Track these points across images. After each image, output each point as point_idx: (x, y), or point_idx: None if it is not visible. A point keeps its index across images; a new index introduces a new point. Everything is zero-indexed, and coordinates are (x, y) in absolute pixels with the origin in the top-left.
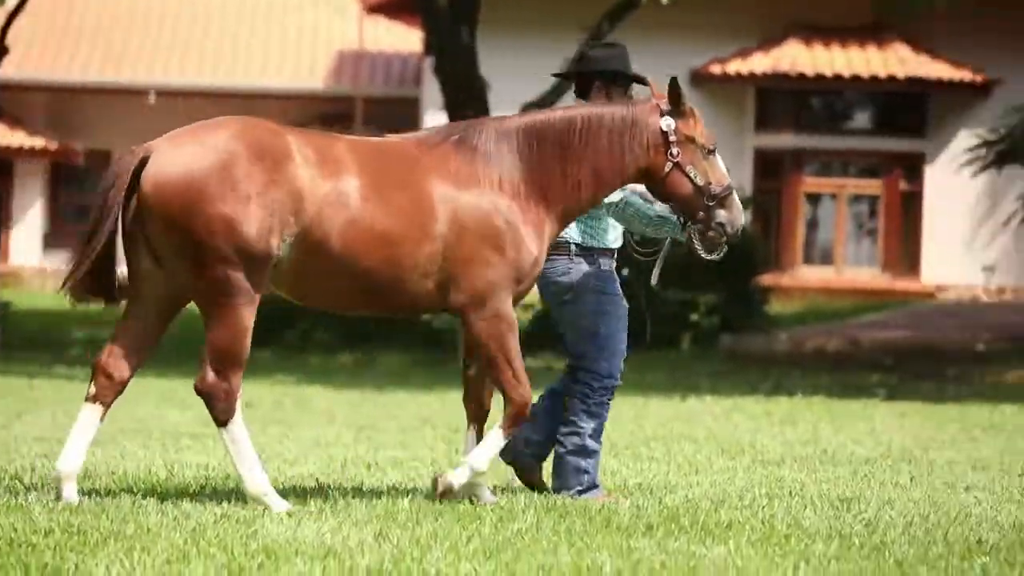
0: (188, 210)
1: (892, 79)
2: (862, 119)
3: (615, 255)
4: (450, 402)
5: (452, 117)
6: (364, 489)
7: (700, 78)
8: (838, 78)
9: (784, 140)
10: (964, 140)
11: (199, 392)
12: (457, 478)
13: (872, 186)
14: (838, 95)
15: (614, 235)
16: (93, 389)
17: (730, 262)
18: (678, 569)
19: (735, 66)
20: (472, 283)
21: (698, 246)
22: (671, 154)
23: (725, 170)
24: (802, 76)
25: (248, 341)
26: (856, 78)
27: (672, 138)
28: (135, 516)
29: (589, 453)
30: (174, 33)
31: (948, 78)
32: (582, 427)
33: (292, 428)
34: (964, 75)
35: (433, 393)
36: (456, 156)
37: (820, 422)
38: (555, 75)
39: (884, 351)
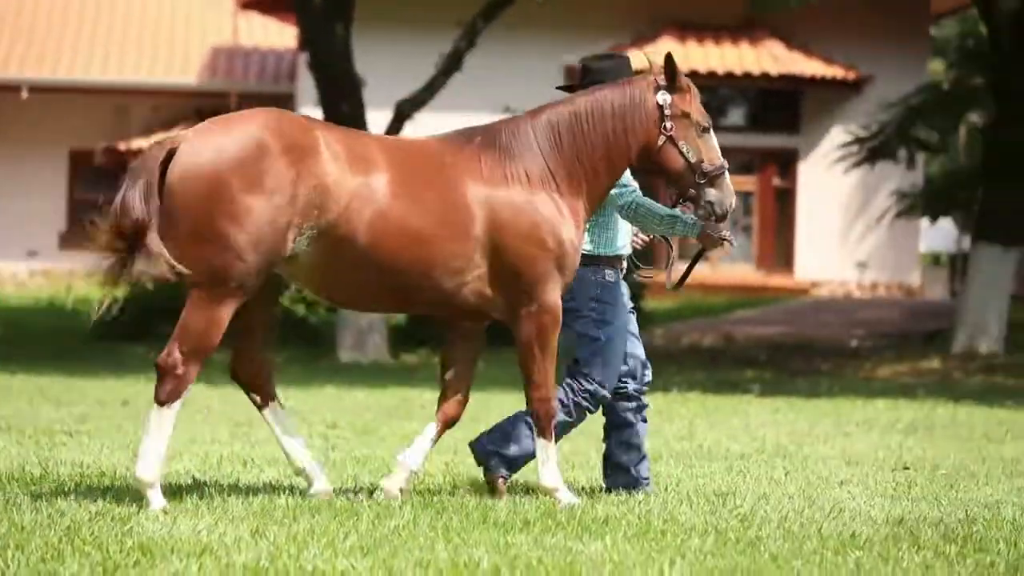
0: (212, 200)
1: (765, 76)
2: (736, 116)
3: (623, 261)
4: (325, 398)
5: (327, 114)
6: (240, 486)
7: (574, 74)
8: (712, 75)
9: None
10: (837, 136)
11: (158, 366)
12: (563, 499)
13: (746, 182)
14: (712, 92)
15: (623, 241)
16: (258, 398)
17: None
18: (555, 565)
19: None
20: (518, 281)
21: (706, 244)
22: (665, 128)
23: (718, 150)
24: None
25: (221, 333)
26: (730, 75)
27: (667, 112)
28: (8, 514)
29: (525, 455)
30: (48, 28)
31: (821, 75)
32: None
33: None
34: (836, 72)
35: (309, 389)
36: (483, 156)
37: (696, 418)
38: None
39: (759, 347)
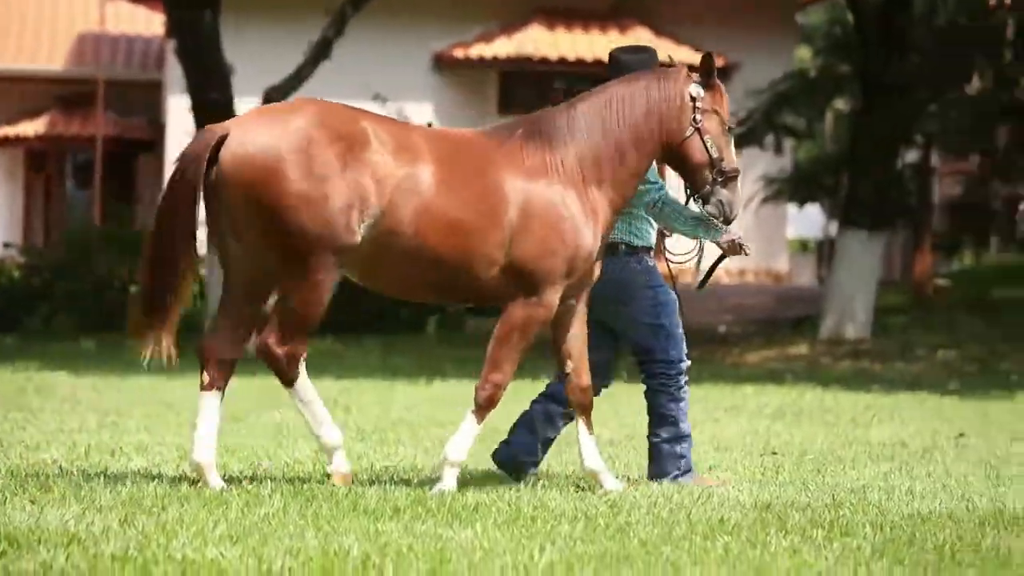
0: (268, 187)
1: None
2: None
3: (651, 250)
4: (194, 387)
5: (195, 101)
6: (109, 475)
7: (443, 62)
8: (580, 62)
9: None
10: None
11: (261, 354)
12: (445, 484)
13: None
14: (581, 79)
15: (653, 234)
16: (207, 377)
17: None
18: (425, 552)
19: (478, 50)
20: (533, 271)
21: (725, 246)
22: (694, 120)
23: (735, 156)
24: (545, 60)
25: (321, 313)
26: (599, 62)
27: (699, 105)
28: None
29: (682, 438)
30: None
31: (690, 62)
32: (672, 414)
33: (35, 415)
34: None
35: (176, 379)
36: (527, 148)
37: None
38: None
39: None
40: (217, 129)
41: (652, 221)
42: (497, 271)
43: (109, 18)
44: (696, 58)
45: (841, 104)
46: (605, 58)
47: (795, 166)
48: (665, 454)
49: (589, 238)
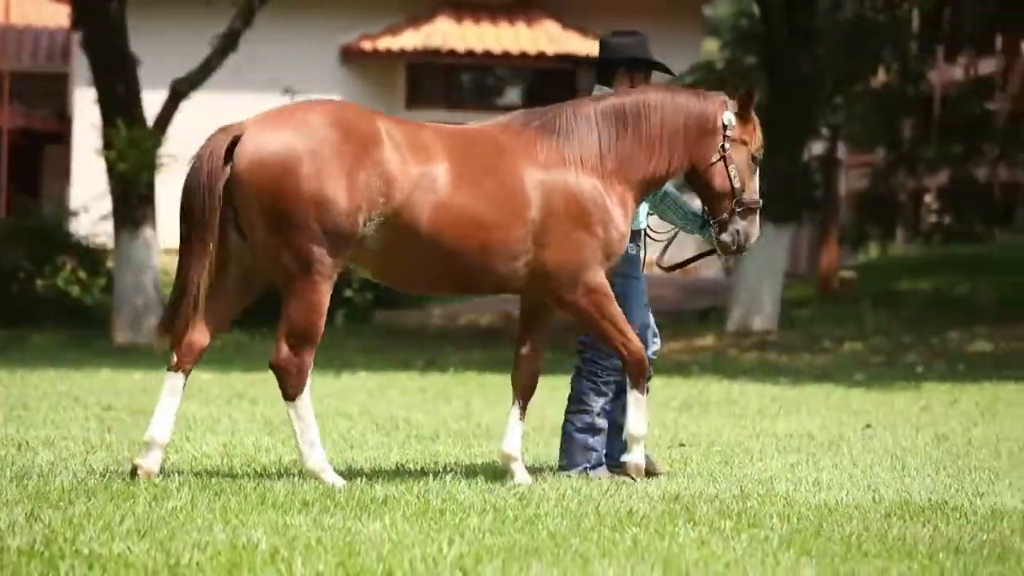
0: (282, 186)
1: (542, 56)
2: (513, 95)
3: (639, 236)
4: (100, 380)
5: (101, 93)
6: (14, 469)
7: (350, 55)
8: (488, 54)
9: (436, 117)
10: None
11: (273, 366)
12: (635, 456)
13: None
14: (489, 72)
15: (642, 217)
16: (175, 358)
17: None
18: (334, 545)
19: (385, 42)
20: (564, 265)
21: (718, 246)
22: (723, 147)
23: (758, 189)
24: (452, 52)
25: (323, 319)
26: (506, 54)
27: (728, 133)
28: None
29: (597, 431)
30: None
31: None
32: (590, 406)
33: None
34: None
35: (83, 371)
36: (540, 140)
37: (473, 397)
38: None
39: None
40: (232, 128)
41: (645, 207)
42: (519, 265)
43: (14, 10)
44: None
45: None
46: (513, 51)
47: None
48: (577, 444)
49: (620, 222)
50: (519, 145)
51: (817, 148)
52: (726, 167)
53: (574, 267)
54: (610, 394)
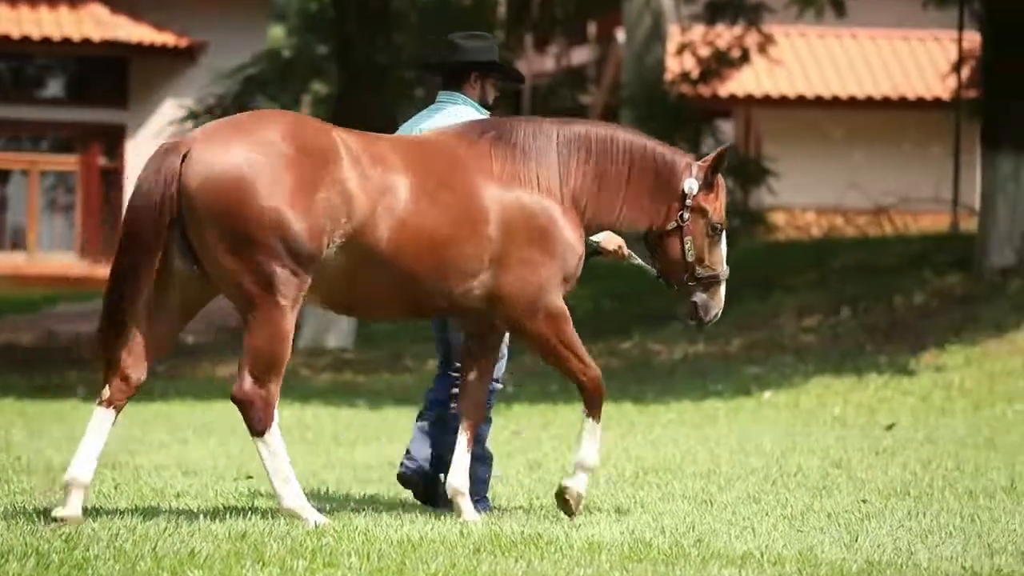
0: (238, 207)
1: (87, 43)
2: (55, 87)
3: None
4: None
5: None
6: None
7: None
8: (26, 40)
9: None
10: (169, 111)
11: (236, 400)
12: (577, 483)
13: (67, 162)
14: (27, 60)
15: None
16: (107, 392)
17: None
18: None
19: None
20: (521, 288)
21: (605, 254)
22: (681, 217)
23: (724, 255)
24: None
25: (289, 347)
26: (47, 40)
27: (688, 202)
28: None
29: (485, 460)
30: None
31: (149, 42)
32: (482, 435)
33: None
34: (167, 39)
35: None
36: (495, 154)
37: (13, 427)
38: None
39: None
40: (181, 144)
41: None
42: (475, 285)
43: None
44: (158, 37)
45: (319, 86)
46: (55, 37)
47: None
48: (477, 478)
49: (577, 244)
50: (474, 157)
51: None
52: (680, 238)
53: (532, 292)
54: (491, 419)
